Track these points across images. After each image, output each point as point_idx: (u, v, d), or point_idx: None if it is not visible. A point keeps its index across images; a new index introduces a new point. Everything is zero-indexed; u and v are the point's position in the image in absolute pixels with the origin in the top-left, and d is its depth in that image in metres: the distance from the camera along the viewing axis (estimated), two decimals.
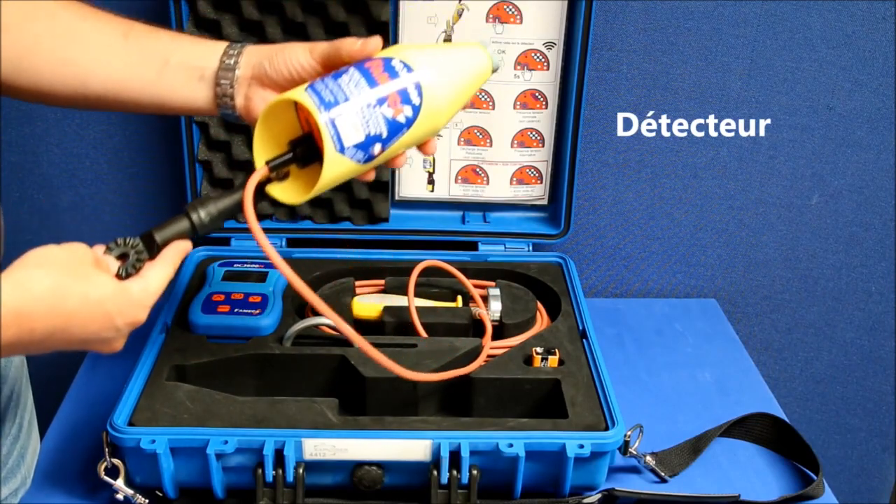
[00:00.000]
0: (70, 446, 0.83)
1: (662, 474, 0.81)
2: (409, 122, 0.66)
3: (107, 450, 0.73)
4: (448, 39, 0.97)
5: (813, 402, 1.26)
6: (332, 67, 0.67)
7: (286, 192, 0.67)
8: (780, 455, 0.87)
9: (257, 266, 0.94)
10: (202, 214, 0.64)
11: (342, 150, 0.63)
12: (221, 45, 0.70)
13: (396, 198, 1.05)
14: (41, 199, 1.09)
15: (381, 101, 0.64)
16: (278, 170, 0.66)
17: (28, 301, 0.54)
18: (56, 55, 0.66)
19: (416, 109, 0.66)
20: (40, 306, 0.55)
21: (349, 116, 0.63)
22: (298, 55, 0.68)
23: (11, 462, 0.76)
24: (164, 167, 1.07)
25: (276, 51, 0.69)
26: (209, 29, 0.93)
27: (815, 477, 0.82)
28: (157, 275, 0.61)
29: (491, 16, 0.96)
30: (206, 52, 0.70)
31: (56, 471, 0.80)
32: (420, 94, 0.66)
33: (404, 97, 0.65)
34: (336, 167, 0.63)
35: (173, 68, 0.68)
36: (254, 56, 0.69)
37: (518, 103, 1.00)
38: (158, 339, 0.83)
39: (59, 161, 1.07)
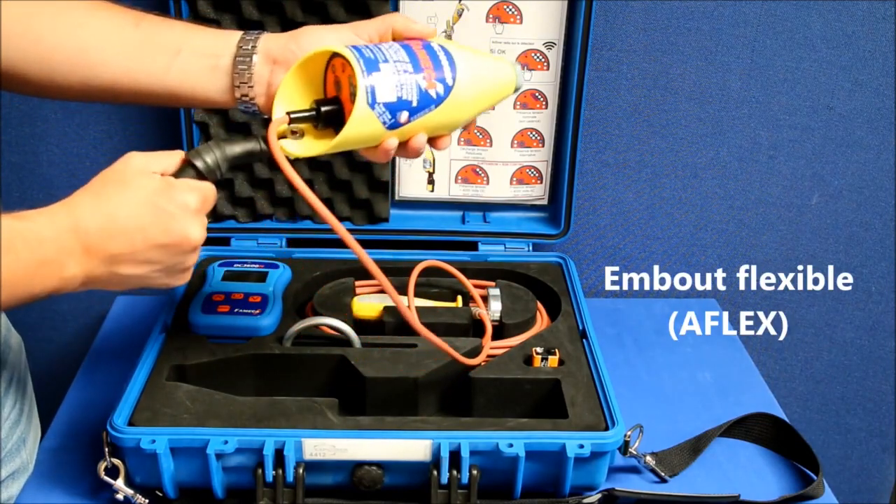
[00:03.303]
0: (70, 446, 0.83)
1: (662, 474, 0.81)
2: (439, 100, 0.67)
3: (107, 450, 0.73)
4: (448, 39, 0.97)
5: (813, 402, 1.26)
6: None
7: (299, 148, 0.67)
8: (780, 455, 0.87)
9: (257, 266, 0.94)
10: (208, 160, 0.64)
11: (373, 104, 0.64)
12: (237, 34, 0.69)
13: (396, 198, 1.05)
14: (41, 199, 1.09)
15: (418, 71, 0.66)
16: (297, 124, 0.66)
17: (81, 219, 0.59)
18: (66, 45, 0.65)
19: (448, 90, 0.68)
20: (94, 220, 0.59)
21: (386, 75, 0.64)
22: (340, 35, 0.68)
23: (11, 445, 0.76)
24: None
25: (302, 34, 0.68)
26: None
27: (815, 477, 0.82)
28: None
29: (491, 16, 0.96)
30: (221, 41, 0.68)
31: (56, 471, 0.80)
32: (454, 78, 0.68)
33: (439, 75, 0.67)
34: (362, 121, 0.64)
35: (186, 57, 0.67)
36: (273, 42, 0.68)
37: (518, 103, 1.00)
38: (158, 339, 0.83)
39: (59, 161, 1.07)
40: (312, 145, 0.68)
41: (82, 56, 0.66)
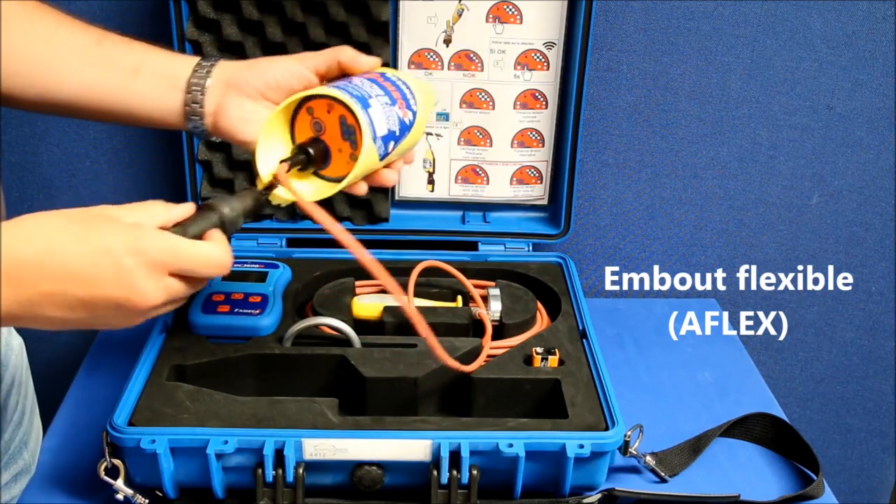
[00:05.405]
0: (70, 446, 0.83)
1: (662, 474, 0.81)
2: (409, 126, 0.70)
3: (107, 450, 0.73)
4: (448, 40, 0.97)
5: (813, 402, 1.26)
6: (327, 75, 0.70)
7: (304, 192, 0.69)
8: (780, 455, 0.87)
9: (257, 266, 0.94)
10: (226, 211, 0.63)
11: (374, 139, 0.66)
12: (196, 58, 0.71)
13: (396, 198, 1.05)
14: (41, 199, 1.09)
15: (393, 102, 0.69)
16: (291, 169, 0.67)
17: (20, 246, 0.52)
18: (32, 58, 0.66)
19: (414, 115, 0.71)
20: (32, 248, 0.52)
21: (377, 110, 0.67)
22: (289, 65, 0.69)
23: (13, 447, 0.77)
24: (164, 167, 1.07)
25: (256, 62, 0.70)
26: (209, 29, 0.93)
27: (815, 477, 0.82)
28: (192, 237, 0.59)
29: (491, 16, 0.96)
30: (179, 63, 0.70)
31: (56, 471, 0.80)
32: (416, 102, 0.71)
33: (407, 103, 0.70)
34: (368, 156, 0.66)
35: (145, 76, 0.69)
36: (229, 69, 0.70)
37: (518, 103, 1.00)
38: (158, 339, 0.83)
39: (59, 161, 1.07)
40: (316, 187, 0.69)
41: (42, 71, 0.67)
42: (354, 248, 0.62)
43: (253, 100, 0.69)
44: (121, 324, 0.57)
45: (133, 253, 0.54)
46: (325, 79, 0.70)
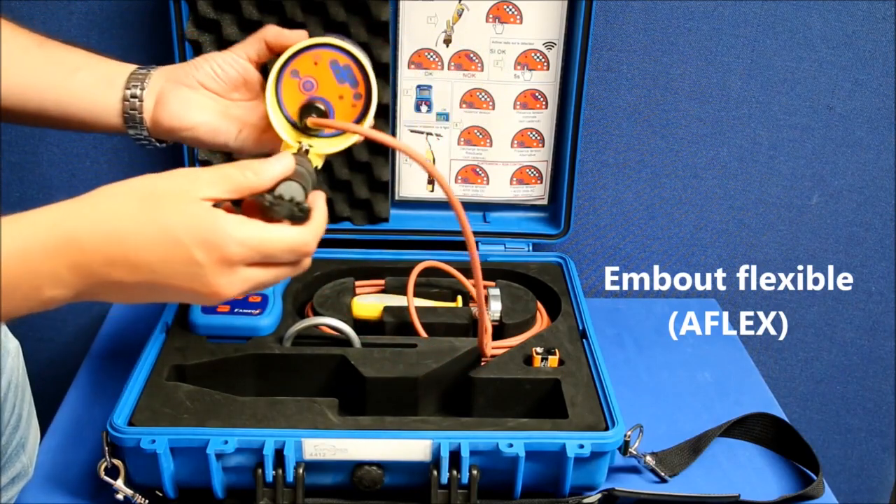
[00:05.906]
0: (70, 446, 0.83)
1: (662, 474, 0.81)
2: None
3: (107, 450, 0.73)
4: (448, 40, 0.97)
5: (813, 402, 1.26)
6: (260, 59, 0.71)
7: (328, 144, 0.69)
8: (780, 455, 0.87)
9: None
10: (304, 169, 0.64)
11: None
12: (136, 66, 0.71)
13: (396, 198, 1.05)
14: (41, 199, 1.09)
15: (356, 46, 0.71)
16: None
17: (81, 225, 0.50)
18: None
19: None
20: (93, 230, 0.50)
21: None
22: (224, 56, 0.70)
23: (10, 451, 0.76)
24: (164, 167, 1.06)
25: (193, 59, 0.71)
26: (209, 29, 0.93)
27: (815, 477, 0.82)
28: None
29: (491, 16, 0.96)
30: (120, 67, 0.70)
31: (56, 471, 0.80)
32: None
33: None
34: (375, 84, 0.69)
35: (84, 76, 0.69)
36: (167, 69, 0.71)
37: (518, 103, 1.00)
38: (158, 339, 0.83)
39: (59, 161, 1.07)
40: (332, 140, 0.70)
41: None
42: (418, 157, 0.66)
43: (193, 89, 0.70)
44: (199, 304, 0.59)
45: (204, 247, 0.52)
46: (259, 63, 0.71)
